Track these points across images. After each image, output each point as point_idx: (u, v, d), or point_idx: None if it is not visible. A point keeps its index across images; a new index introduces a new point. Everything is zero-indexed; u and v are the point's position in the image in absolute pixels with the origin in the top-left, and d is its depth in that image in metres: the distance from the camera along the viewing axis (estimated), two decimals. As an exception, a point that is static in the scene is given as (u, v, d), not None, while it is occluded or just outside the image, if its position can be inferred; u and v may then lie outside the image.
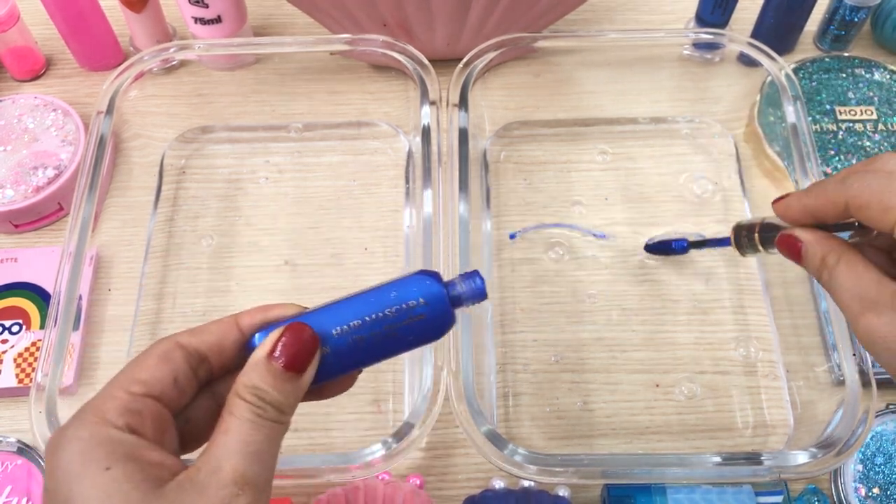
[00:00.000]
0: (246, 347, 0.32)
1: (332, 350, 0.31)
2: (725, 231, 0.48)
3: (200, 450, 0.30)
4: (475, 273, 0.33)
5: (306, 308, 0.33)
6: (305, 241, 0.61)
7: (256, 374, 0.29)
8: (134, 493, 0.26)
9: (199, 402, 0.32)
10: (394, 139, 0.65)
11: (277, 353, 0.30)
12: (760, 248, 0.44)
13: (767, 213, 0.58)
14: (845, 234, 0.40)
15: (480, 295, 0.33)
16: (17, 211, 0.60)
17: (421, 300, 0.32)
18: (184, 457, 0.31)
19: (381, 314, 0.31)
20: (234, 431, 0.28)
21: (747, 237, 0.45)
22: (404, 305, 0.32)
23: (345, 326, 0.31)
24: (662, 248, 0.57)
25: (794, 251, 0.39)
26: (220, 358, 0.31)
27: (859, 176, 0.36)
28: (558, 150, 0.65)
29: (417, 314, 0.32)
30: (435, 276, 0.32)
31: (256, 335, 0.31)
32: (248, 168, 0.64)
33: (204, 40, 0.66)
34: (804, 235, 0.38)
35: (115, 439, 0.27)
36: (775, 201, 0.40)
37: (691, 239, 0.56)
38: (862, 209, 0.35)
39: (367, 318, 0.31)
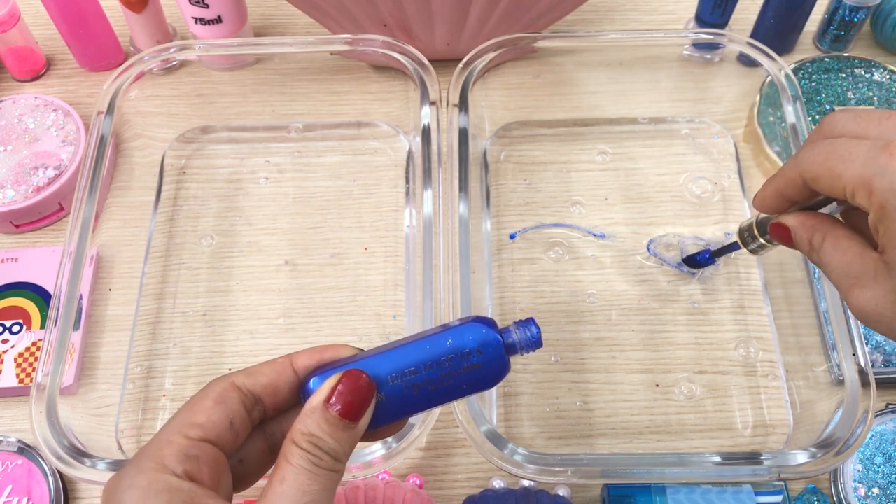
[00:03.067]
0: (301, 390, 0.31)
1: (387, 397, 0.31)
2: (731, 228, 0.49)
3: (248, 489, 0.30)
4: (530, 321, 0.33)
5: (360, 350, 0.33)
6: (305, 241, 0.61)
7: (313, 422, 0.29)
8: None
9: (252, 442, 0.31)
10: (394, 139, 0.65)
11: (334, 400, 0.29)
12: (765, 242, 0.44)
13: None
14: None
15: (535, 343, 0.33)
16: (17, 211, 0.60)
17: (476, 349, 0.32)
18: (236, 496, 0.31)
19: (436, 362, 0.31)
20: (291, 481, 0.28)
21: (750, 236, 0.45)
22: (460, 354, 0.31)
23: (400, 374, 0.31)
24: (692, 262, 0.58)
25: (785, 238, 0.39)
26: (274, 399, 0.31)
27: (808, 147, 0.35)
28: (558, 150, 0.65)
29: (473, 363, 0.32)
30: (490, 323, 0.32)
31: (312, 380, 0.31)
32: (248, 168, 0.64)
33: (204, 40, 0.66)
34: (788, 220, 0.38)
35: (173, 487, 0.27)
36: (755, 197, 0.40)
37: (701, 247, 0.58)
38: (816, 181, 0.34)
39: (422, 366, 0.31)
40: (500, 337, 0.32)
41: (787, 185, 0.36)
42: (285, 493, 0.28)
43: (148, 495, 0.27)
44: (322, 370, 0.31)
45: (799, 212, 0.38)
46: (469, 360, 0.32)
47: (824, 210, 0.38)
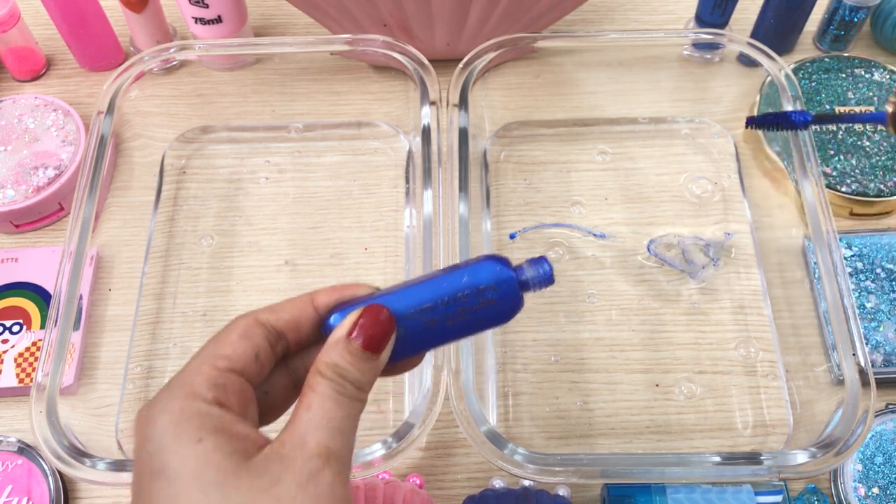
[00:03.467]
0: (322, 326, 0.33)
1: (406, 331, 0.32)
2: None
3: (271, 426, 0.31)
4: (543, 259, 0.34)
5: (378, 289, 0.34)
6: (305, 241, 0.61)
7: (336, 353, 0.30)
8: (225, 463, 0.27)
9: (275, 377, 0.33)
10: (394, 139, 0.65)
11: (356, 333, 0.31)
12: None
13: (766, 217, 0.58)
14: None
15: (548, 280, 0.34)
16: (17, 211, 0.60)
17: (491, 285, 0.33)
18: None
19: (452, 298, 0.32)
20: (317, 407, 0.29)
21: None
22: (475, 290, 0.33)
23: (418, 309, 0.32)
24: (786, 120, 0.52)
25: None
26: (297, 335, 0.32)
27: None
28: (558, 150, 0.65)
29: (488, 298, 0.33)
30: (504, 261, 0.33)
31: (332, 316, 0.32)
32: (248, 168, 0.64)
33: (204, 40, 0.66)
34: None
35: (204, 412, 0.28)
36: None
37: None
38: None
39: (439, 302, 0.32)
40: (513, 273, 0.33)
41: None
42: (312, 419, 0.29)
43: (181, 420, 0.28)
44: (342, 307, 0.33)
45: None
46: (484, 296, 0.33)
47: None
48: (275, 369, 0.32)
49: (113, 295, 0.57)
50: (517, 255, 0.60)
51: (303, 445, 0.28)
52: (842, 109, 0.64)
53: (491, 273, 0.33)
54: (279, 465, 0.28)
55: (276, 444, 0.28)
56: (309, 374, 0.30)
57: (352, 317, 0.31)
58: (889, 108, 0.43)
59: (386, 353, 0.32)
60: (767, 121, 0.52)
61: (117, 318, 0.57)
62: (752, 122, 0.53)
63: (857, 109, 0.64)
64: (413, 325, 0.32)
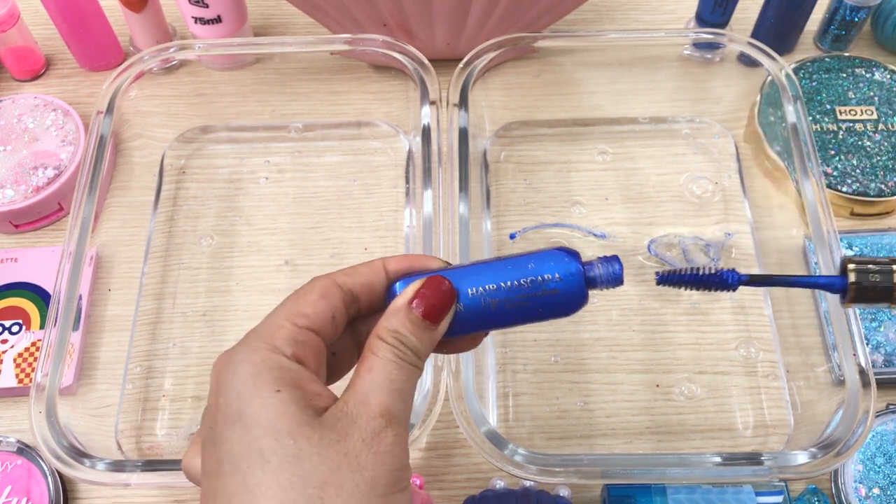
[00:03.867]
0: (387, 292, 0.33)
1: (466, 308, 0.33)
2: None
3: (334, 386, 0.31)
4: (615, 258, 0.34)
5: (449, 263, 0.34)
6: (305, 241, 0.61)
7: (397, 320, 0.31)
8: (300, 415, 0.28)
9: (343, 339, 0.34)
10: (394, 139, 0.65)
11: (417, 302, 0.32)
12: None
13: (767, 217, 0.58)
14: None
15: (617, 280, 0.34)
16: (17, 211, 0.60)
17: (557, 276, 0.33)
18: None
19: (516, 283, 0.33)
20: (378, 370, 0.30)
21: (877, 284, 0.32)
22: (539, 278, 0.33)
23: (480, 288, 0.33)
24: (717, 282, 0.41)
25: None
26: (370, 298, 0.33)
27: None
28: (558, 150, 0.65)
29: (551, 288, 0.33)
30: (574, 254, 0.33)
31: (398, 283, 0.33)
32: (248, 168, 0.64)
33: (204, 40, 0.66)
34: None
35: (283, 366, 0.29)
36: None
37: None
38: None
39: (502, 284, 0.33)
40: (581, 267, 0.33)
41: None
42: (374, 380, 0.30)
43: (261, 370, 0.29)
44: (409, 276, 0.33)
45: None
46: (548, 286, 0.33)
47: None
48: (343, 331, 0.33)
49: (112, 295, 0.57)
50: (517, 255, 0.59)
51: (365, 404, 0.29)
52: (842, 109, 0.64)
53: (558, 264, 0.33)
54: (345, 422, 0.28)
55: (342, 403, 0.29)
56: (370, 338, 0.31)
57: (414, 286, 0.32)
58: (851, 277, 0.34)
59: (444, 325, 0.32)
60: (683, 279, 0.39)
61: (117, 318, 0.57)
62: (662, 280, 0.39)
63: (858, 109, 0.64)
64: (473, 303, 0.33)
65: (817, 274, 0.41)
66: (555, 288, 0.33)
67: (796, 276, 0.38)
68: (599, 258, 0.34)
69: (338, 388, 0.32)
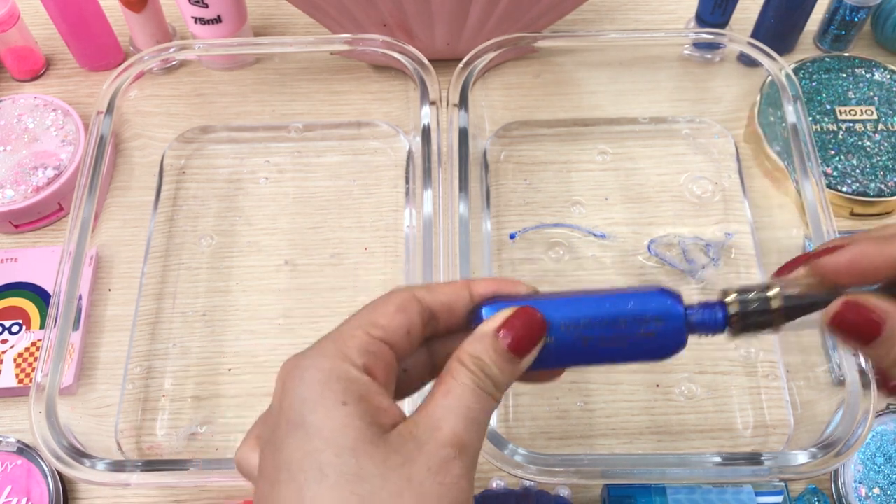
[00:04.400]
0: (472, 315, 0.32)
1: (556, 341, 0.31)
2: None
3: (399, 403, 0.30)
4: (719, 304, 0.32)
5: (538, 292, 0.33)
6: (305, 241, 0.61)
7: (482, 347, 0.30)
8: (365, 431, 0.27)
9: (417, 356, 0.32)
10: (394, 139, 0.65)
11: (504, 332, 0.30)
12: (778, 324, 0.31)
13: (767, 217, 0.57)
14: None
15: (718, 328, 0.32)
16: (17, 211, 0.60)
17: (656, 317, 0.31)
18: None
19: (613, 320, 0.31)
20: (455, 395, 0.29)
21: (760, 313, 0.31)
22: (639, 318, 0.31)
23: (574, 322, 0.31)
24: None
25: (864, 329, 0.29)
26: (449, 318, 0.32)
27: None
28: (558, 150, 0.65)
29: (650, 330, 0.31)
30: (676, 296, 0.32)
31: (484, 308, 0.32)
32: (248, 168, 0.64)
33: (204, 40, 0.66)
34: (888, 307, 0.29)
35: (352, 377, 0.28)
36: (822, 254, 0.30)
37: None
38: None
39: (598, 321, 0.31)
40: (683, 310, 0.31)
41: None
42: (450, 405, 0.28)
43: (330, 378, 0.28)
44: (496, 301, 0.32)
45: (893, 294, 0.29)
46: (647, 328, 0.31)
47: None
48: (418, 348, 0.32)
49: (112, 295, 0.57)
50: (518, 254, 0.60)
51: (436, 430, 0.28)
52: (842, 109, 0.64)
53: (660, 306, 0.31)
54: (412, 446, 0.27)
55: (411, 424, 0.28)
56: (450, 360, 0.30)
57: (504, 313, 0.31)
58: (732, 309, 0.32)
59: (530, 359, 0.31)
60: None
61: (117, 318, 0.57)
62: None
63: (858, 109, 0.64)
64: (564, 338, 0.31)
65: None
66: (653, 330, 0.31)
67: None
68: (701, 303, 0.32)
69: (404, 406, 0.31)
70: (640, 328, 0.31)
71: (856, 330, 0.29)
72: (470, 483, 0.28)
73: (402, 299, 0.31)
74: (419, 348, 0.32)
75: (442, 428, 0.28)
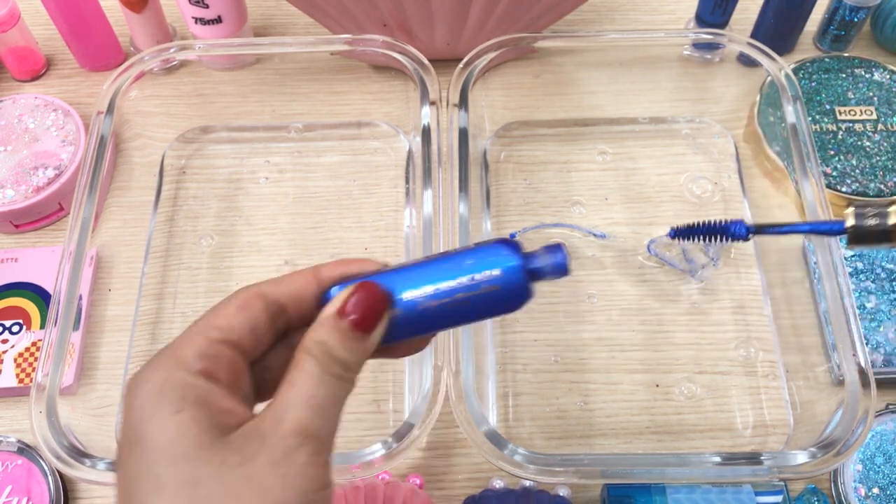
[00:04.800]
0: (322, 300, 0.31)
1: (403, 313, 0.30)
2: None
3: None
4: (558, 247, 0.31)
5: (386, 265, 0.32)
6: (305, 241, 0.61)
7: (325, 331, 0.29)
8: (201, 437, 0.26)
9: (277, 352, 0.31)
10: (394, 139, 0.65)
11: (348, 310, 0.30)
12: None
13: (767, 217, 0.57)
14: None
15: (562, 270, 0.31)
16: (17, 211, 0.60)
17: (496, 271, 0.30)
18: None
19: (454, 282, 0.30)
20: (299, 385, 0.28)
21: (877, 222, 0.35)
22: (478, 276, 0.30)
23: (417, 290, 0.30)
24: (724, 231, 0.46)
25: None
26: (299, 308, 0.31)
27: None
28: (558, 150, 0.65)
29: (492, 285, 0.30)
30: (513, 246, 0.31)
31: (333, 289, 0.31)
32: (248, 168, 0.64)
33: (204, 40, 0.66)
34: None
35: (188, 383, 0.27)
36: None
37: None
38: None
39: (440, 286, 0.30)
40: (521, 261, 0.31)
41: None
42: (293, 396, 0.28)
43: (164, 389, 0.27)
44: (344, 282, 0.31)
45: None
46: (488, 282, 0.30)
47: None
48: (277, 344, 0.31)
49: (113, 295, 0.57)
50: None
51: (280, 422, 0.27)
52: (842, 109, 0.64)
53: (497, 258, 0.30)
54: (256, 443, 0.27)
55: (257, 421, 0.28)
56: (296, 351, 0.29)
57: (343, 293, 0.30)
58: (849, 221, 0.38)
59: (378, 334, 0.30)
60: (696, 232, 0.47)
61: (117, 318, 0.57)
62: (676, 234, 0.49)
63: (858, 109, 0.64)
64: (410, 307, 0.30)
65: (819, 220, 0.42)
66: (495, 284, 0.30)
67: (799, 223, 0.40)
68: (543, 247, 0.31)
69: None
70: (481, 285, 0.30)
71: None
72: (320, 468, 0.27)
73: (243, 297, 0.30)
74: (280, 344, 0.31)
75: (285, 419, 0.27)
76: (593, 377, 0.55)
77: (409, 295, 0.30)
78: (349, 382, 0.29)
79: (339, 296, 0.30)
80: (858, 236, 0.37)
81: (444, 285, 0.30)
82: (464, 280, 0.30)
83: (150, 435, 0.27)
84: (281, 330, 0.31)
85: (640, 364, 0.55)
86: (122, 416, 0.28)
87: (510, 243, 0.31)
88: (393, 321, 0.30)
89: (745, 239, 0.44)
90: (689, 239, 0.47)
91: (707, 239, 0.46)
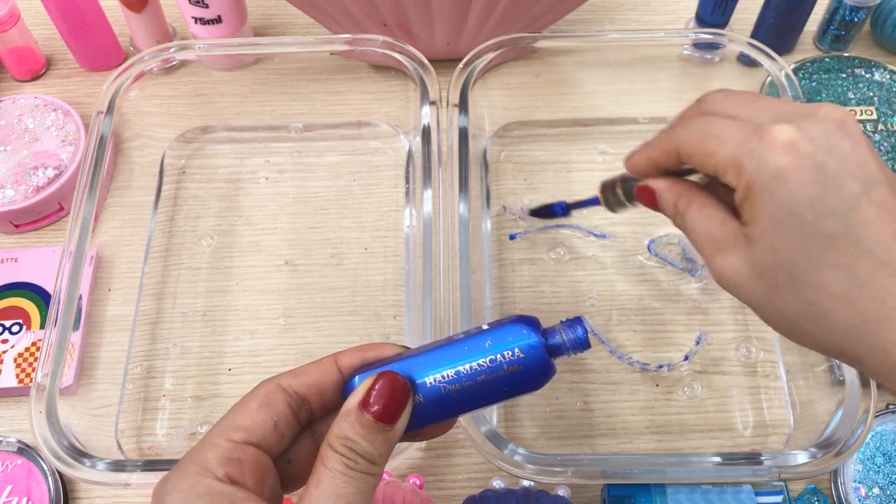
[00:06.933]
0: (344, 389, 0.31)
1: (425, 399, 0.31)
2: None
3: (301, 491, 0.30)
4: (578, 321, 0.32)
5: (406, 349, 0.32)
6: (305, 241, 0.61)
7: (348, 425, 0.29)
8: None
9: (301, 443, 0.32)
10: (394, 139, 0.65)
11: (369, 403, 0.29)
12: (626, 202, 0.42)
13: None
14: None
15: (582, 345, 0.32)
16: (17, 211, 0.60)
17: (517, 351, 0.30)
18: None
19: (475, 364, 0.30)
20: (326, 484, 0.28)
21: (612, 193, 0.43)
22: (500, 357, 0.30)
23: (439, 375, 0.30)
24: (545, 213, 0.53)
25: (650, 200, 0.39)
26: (321, 399, 0.31)
27: (685, 123, 0.36)
28: (558, 150, 0.65)
29: (513, 365, 0.31)
30: (532, 324, 0.31)
31: (356, 378, 0.31)
32: (248, 168, 0.64)
33: (204, 40, 0.66)
34: (656, 184, 0.38)
35: (214, 491, 0.28)
36: (627, 159, 0.40)
37: (569, 202, 0.55)
38: (690, 157, 0.35)
39: (461, 369, 0.30)
40: (541, 339, 0.31)
41: (662, 155, 0.37)
42: (320, 496, 0.28)
43: (190, 498, 0.27)
44: (364, 370, 0.31)
45: (666, 176, 0.38)
46: (509, 363, 0.31)
47: (690, 178, 0.39)
48: (300, 435, 0.31)
49: (113, 295, 0.57)
50: (518, 254, 0.60)
51: None
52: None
53: (516, 338, 0.31)
54: None
55: None
56: (321, 447, 0.29)
57: (364, 385, 0.30)
58: (598, 193, 0.44)
59: (402, 424, 0.30)
60: (539, 214, 0.53)
61: (117, 318, 0.57)
62: (534, 213, 0.54)
63: (858, 109, 0.64)
64: (433, 393, 0.30)
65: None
66: (517, 364, 0.30)
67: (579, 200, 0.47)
68: (561, 322, 0.32)
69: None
70: (503, 366, 0.30)
71: (645, 200, 0.39)
72: None
73: (264, 393, 0.30)
74: (303, 435, 0.32)
75: None
76: (593, 377, 0.55)
77: (431, 380, 0.30)
78: (376, 476, 0.29)
79: (360, 387, 0.30)
80: (608, 206, 0.43)
81: (466, 368, 0.30)
82: (485, 362, 0.30)
83: None
84: (304, 421, 0.31)
85: (640, 364, 0.55)
86: None
87: (529, 320, 0.31)
88: (416, 408, 0.30)
89: (566, 214, 0.52)
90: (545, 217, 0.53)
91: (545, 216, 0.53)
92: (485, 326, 0.32)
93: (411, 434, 0.31)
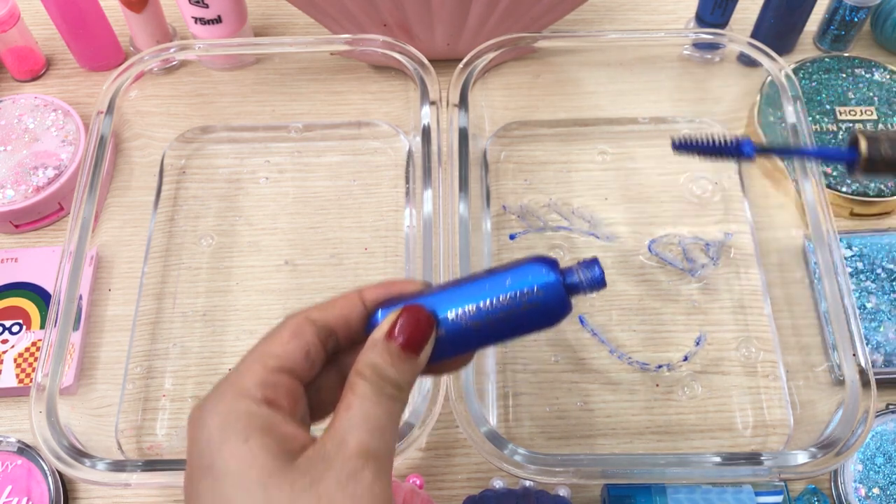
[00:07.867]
0: (368, 323, 0.33)
1: (447, 332, 0.32)
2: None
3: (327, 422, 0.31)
4: (594, 262, 0.33)
5: (428, 285, 0.33)
6: (305, 241, 0.61)
7: (375, 353, 0.31)
8: (270, 463, 0.28)
9: (326, 374, 0.33)
10: (394, 139, 0.65)
11: (395, 333, 0.31)
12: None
13: (766, 217, 0.57)
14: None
15: (599, 284, 0.33)
16: (17, 211, 0.60)
17: (535, 288, 0.32)
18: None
19: (495, 300, 0.32)
20: (356, 407, 0.29)
21: (891, 148, 0.34)
22: (518, 293, 0.32)
23: (460, 310, 0.32)
24: (714, 149, 0.42)
25: None
26: (347, 331, 0.32)
27: None
28: (558, 150, 0.65)
29: (532, 302, 0.32)
30: (551, 263, 0.32)
31: (379, 312, 0.32)
32: (248, 168, 0.64)
33: (204, 40, 0.66)
34: None
35: (252, 412, 0.29)
36: None
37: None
38: None
39: (481, 304, 0.32)
40: (560, 277, 0.32)
41: None
42: (352, 419, 0.29)
43: (228, 420, 0.28)
44: (388, 304, 0.32)
45: None
46: (528, 300, 0.32)
47: None
48: (326, 366, 0.33)
49: (113, 295, 0.57)
50: (518, 254, 0.59)
51: (343, 445, 0.28)
52: (842, 109, 0.64)
53: (535, 276, 0.32)
54: (321, 465, 0.28)
55: (319, 445, 0.29)
56: (350, 374, 0.30)
57: (391, 317, 0.31)
58: (863, 150, 0.35)
59: (425, 354, 0.31)
60: (699, 147, 0.42)
61: (117, 318, 0.57)
62: (678, 147, 0.43)
63: (858, 109, 0.64)
64: (455, 327, 0.32)
65: (829, 147, 0.40)
66: (535, 301, 0.32)
67: (807, 148, 0.38)
68: (579, 263, 0.33)
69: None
70: (522, 303, 0.32)
71: None
72: (384, 485, 0.29)
73: (295, 324, 0.31)
74: (329, 366, 0.33)
75: (348, 442, 0.28)
76: (593, 377, 0.55)
77: (452, 315, 0.32)
78: (402, 402, 0.31)
79: (386, 319, 0.31)
80: (869, 165, 0.35)
81: (486, 304, 0.32)
82: (505, 299, 0.32)
83: (220, 463, 0.28)
84: (331, 352, 0.32)
85: (640, 364, 0.55)
86: (188, 448, 0.29)
87: (548, 260, 0.32)
88: (438, 341, 0.32)
89: (751, 159, 0.41)
90: (690, 152, 0.42)
91: (710, 154, 0.41)
92: (504, 265, 0.33)
93: (433, 366, 0.32)
